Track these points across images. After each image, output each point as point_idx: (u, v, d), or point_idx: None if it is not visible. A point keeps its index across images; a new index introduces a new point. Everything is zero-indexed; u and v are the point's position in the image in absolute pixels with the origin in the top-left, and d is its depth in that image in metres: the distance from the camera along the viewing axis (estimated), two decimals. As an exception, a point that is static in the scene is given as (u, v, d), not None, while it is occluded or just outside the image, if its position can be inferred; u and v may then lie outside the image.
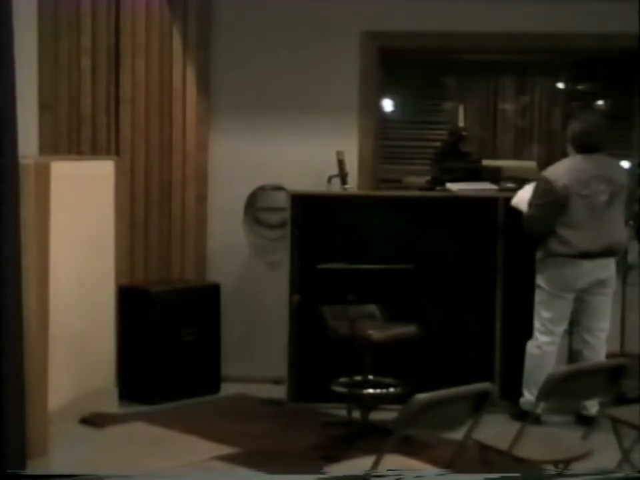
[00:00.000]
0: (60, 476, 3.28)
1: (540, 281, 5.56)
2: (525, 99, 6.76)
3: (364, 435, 5.14)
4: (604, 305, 5.58)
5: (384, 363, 5.45)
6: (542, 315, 5.56)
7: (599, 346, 5.59)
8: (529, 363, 5.59)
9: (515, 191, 5.73)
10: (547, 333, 5.55)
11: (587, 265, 5.44)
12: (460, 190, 5.84)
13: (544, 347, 5.55)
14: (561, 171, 5.46)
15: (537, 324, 5.59)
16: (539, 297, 5.57)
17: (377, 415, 5.24)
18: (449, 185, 5.88)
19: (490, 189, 5.85)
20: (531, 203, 5.48)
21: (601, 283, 5.51)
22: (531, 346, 5.60)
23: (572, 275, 5.47)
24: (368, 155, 6.45)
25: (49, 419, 4.97)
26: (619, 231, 5.54)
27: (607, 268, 5.52)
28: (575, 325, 5.66)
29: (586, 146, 5.46)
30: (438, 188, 5.92)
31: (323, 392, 5.54)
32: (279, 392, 5.97)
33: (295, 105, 6.39)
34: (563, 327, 5.60)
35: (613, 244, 5.50)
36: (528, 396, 5.53)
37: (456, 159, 6.18)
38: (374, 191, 6.34)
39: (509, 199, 5.70)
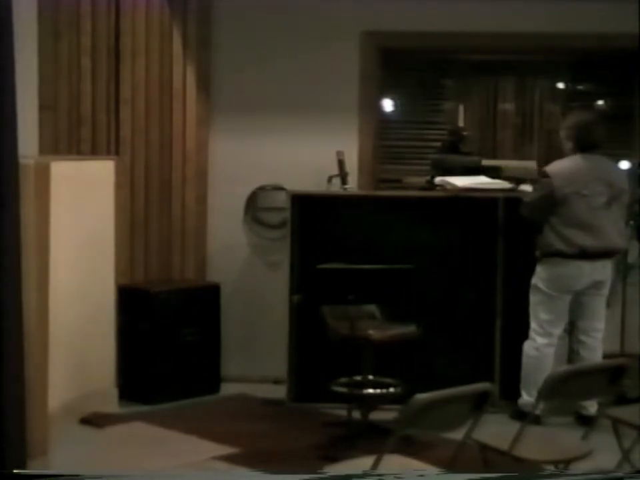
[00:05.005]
0: (60, 476, 3.27)
1: (537, 281, 5.55)
2: (524, 99, 6.75)
3: (364, 434, 5.13)
4: (599, 305, 5.60)
5: (384, 363, 5.45)
6: (540, 316, 5.55)
7: (596, 346, 5.60)
8: (526, 364, 5.57)
9: (514, 190, 5.77)
10: (545, 334, 5.55)
11: (586, 266, 5.46)
12: (464, 185, 5.80)
13: (542, 349, 5.54)
14: (562, 168, 5.52)
15: (534, 325, 5.58)
16: (536, 298, 5.56)
17: (377, 415, 5.24)
18: (453, 180, 5.85)
19: (493, 182, 5.84)
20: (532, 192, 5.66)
21: (597, 284, 5.53)
22: (528, 347, 5.58)
23: (571, 276, 5.48)
24: (368, 155, 6.45)
25: (49, 419, 4.97)
26: (618, 234, 5.55)
27: (605, 269, 5.54)
28: (572, 325, 5.67)
29: (583, 145, 5.51)
30: (439, 179, 5.88)
31: (323, 392, 5.53)
32: (279, 392, 5.97)
33: (294, 105, 6.39)
34: (560, 328, 5.60)
35: (611, 246, 5.53)
36: (526, 397, 5.53)
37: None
38: (374, 191, 6.34)
39: (509, 199, 5.73)
